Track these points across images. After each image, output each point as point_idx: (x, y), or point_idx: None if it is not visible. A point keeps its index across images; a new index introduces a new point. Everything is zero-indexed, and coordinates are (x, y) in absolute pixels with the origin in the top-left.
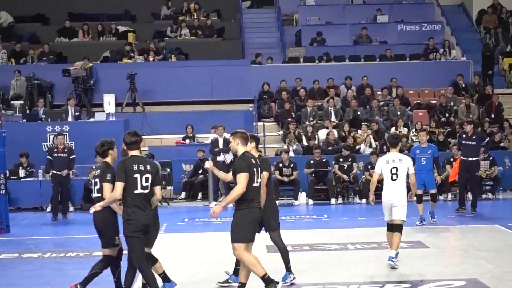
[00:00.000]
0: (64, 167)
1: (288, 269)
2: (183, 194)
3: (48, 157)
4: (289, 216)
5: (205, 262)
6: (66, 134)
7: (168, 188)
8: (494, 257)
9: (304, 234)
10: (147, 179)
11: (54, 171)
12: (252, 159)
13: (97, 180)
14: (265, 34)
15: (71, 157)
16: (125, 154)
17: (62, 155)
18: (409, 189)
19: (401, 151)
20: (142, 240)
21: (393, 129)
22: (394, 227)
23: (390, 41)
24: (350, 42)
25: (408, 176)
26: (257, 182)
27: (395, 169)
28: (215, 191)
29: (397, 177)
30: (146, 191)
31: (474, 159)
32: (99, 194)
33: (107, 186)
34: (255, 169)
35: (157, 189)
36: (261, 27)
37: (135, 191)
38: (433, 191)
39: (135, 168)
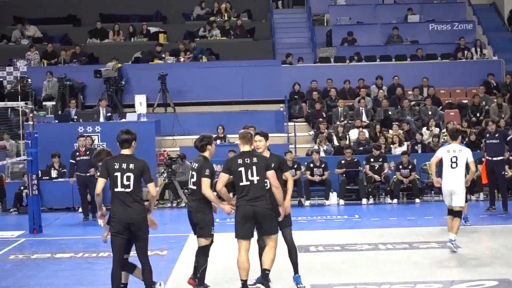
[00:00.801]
0: (87, 169)
1: (297, 270)
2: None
3: (71, 161)
4: (320, 216)
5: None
6: (98, 135)
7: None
8: (503, 257)
9: (335, 234)
10: (128, 177)
11: (78, 173)
12: (240, 159)
13: (194, 173)
14: (296, 34)
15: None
16: (97, 159)
17: (85, 157)
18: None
19: (432, 151)
20: (121, 241)
21: (424, 129)
22: (455, 213)
23: (421, 41)
24: (381, 42)
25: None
26: (247, 181)
27: (455, 158)
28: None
29: (456, 165)
30: (127, 190)
31: (499, 158)
32: (195, 187)
33: (205, 181)
34: (241, 168)
35: (149, 186)
36: (291, 27)
37: (115, 189)
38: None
39: (116, 166)
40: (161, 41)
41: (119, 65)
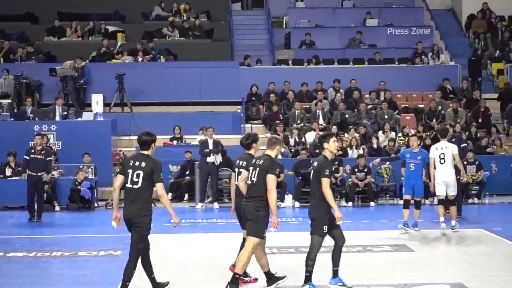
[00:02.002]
0: (40, 169)
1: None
2: (169, 195)
3: (25, 157)
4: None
5: (191, 262)
6: (53, 134)
7: (155, 189)
8: (480, 262)
9: (290, 236)
10: (138, 175)
11: (30, 172)
12: (255, 160)
13: (241, 170)
14: (255, 36)
15: (47, 159)
16: None
17: (39, 156)
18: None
19: (388, 154)
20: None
21: (380, 133)
22: (451, 202)
23: (379, 45)
24: (339, 45)
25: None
26: (250, 180)
27: (442, 154)
28: (201, 193)
29: (444, 161)
30: (135, 186)
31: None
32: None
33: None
34: (251, 168)
35: (157, 185)
36: (250, 29)
37: (126, 185)
38: (419, 198)
39: (131, 164)
40: (119, 40)
41: (82, 63)
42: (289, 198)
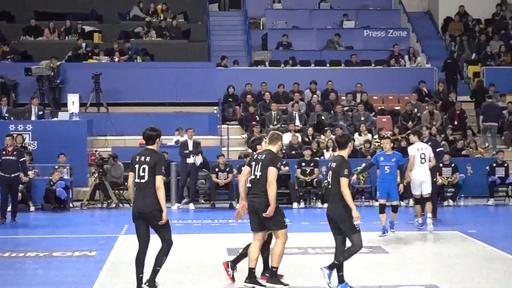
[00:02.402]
0: (13, 170)
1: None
2: None
3: None
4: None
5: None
6: (29, 134)
7: None
8: (454, 264)
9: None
10: (143, 169)
11: (2, 173)
12: (257, 154)
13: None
14: (232, 37)
15: (20, 159)
16: None
17: (11, 157)
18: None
19: (363, 156)
20: (138, 228)
21: (356, 135)
22: (426, 199)
23: (356, 47)
24: (316, 47)
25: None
26: (253, 175)
27: (423, 154)
28: (178, 194)
29: (425, 160)
30: (142, 180)
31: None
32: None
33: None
34: (253, 163)
35: (157, 178)
36: (227, 29)
37: (136, 180)
38: (396, 202)
39: (137, 159)
40: (96, 40)
41: (58, 63)
42: None
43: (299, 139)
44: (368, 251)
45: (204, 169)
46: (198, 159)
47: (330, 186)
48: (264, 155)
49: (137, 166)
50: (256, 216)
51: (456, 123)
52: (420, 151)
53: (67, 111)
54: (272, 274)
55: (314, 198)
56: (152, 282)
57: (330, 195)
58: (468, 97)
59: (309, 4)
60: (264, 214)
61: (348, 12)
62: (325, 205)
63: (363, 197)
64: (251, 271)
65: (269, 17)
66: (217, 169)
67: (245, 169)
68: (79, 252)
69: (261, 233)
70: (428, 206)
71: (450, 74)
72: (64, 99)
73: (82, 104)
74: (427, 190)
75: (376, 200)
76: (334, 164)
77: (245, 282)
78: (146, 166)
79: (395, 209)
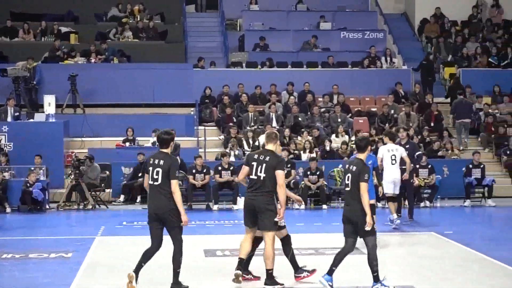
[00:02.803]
0: None
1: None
2: (122, 197)
3: None
4: (228, 220)
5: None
6: (5, 135)
7: (107, 190)
8: (431, 265)
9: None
10: (157, 172)
11: None
12: (257, 155)
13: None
14: (209, 38)
15: None
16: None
17: None
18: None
19: (340, 158)
20: (153, 230)
21: (333, 136)
22: (394, 198)
23: (332, 48)
24: (293, 48)
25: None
26: (255, 175)
27: (394, 156)
28: None
29: (395, 161)
30: (156, 183)
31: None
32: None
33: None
34: (255, 163)
35: (172, 183)
36: (204, 31)
37: (149, 182)
38: (372, 201)
39: (151, 162)
40: (72, 41)
41: (34, 64)
42: (242, 201)
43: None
44: None
45: (181, 171)
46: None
47: (348, 189)
48: (268, 157)
49: (151, 168)
50: (252, 214)
51: (432, 124)
52: (390, 152)
53: (43, 112)
54: (268, 276)
55: (291, 200)
56: (176, 284)
57: (348, 197)
58: (444, 98)
59: (286, 5)
60: (276, 218)
61: (325, 13)
62: (302, 206)
63: (340, 198)
64: (241, 261)
65: (246, 19)
66: (194, 171)
67: (244, 168)
68: (55, 254)
69: (254, 229)
70: (392, 206)
71: (425, 75)
72: (40, 100)
73: (58, 105)
74: (397, 190)
75: None
76: (354, 168)
77: (236, 269)
78: (160, 169)
79: (372, 210)
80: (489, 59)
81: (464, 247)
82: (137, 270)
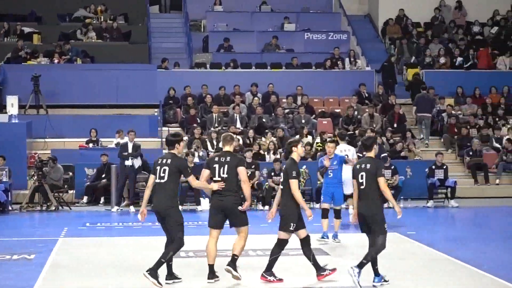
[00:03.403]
0: None
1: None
2: (85, 198)
3: None
4: (192, 222)
5: (107, 266)
6: None
7: (70, 192)
8: (394, 265)
9: (206, 240)
10: (164, 170)
11: None
12: (217, 157)
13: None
14: (172, 39)
15: None
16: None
17: None
18: None
19: (304, 159)
20: (163, 227)
21: (297, 137)
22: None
23: (296, 50)
24: (257, 49)
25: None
26: (219, 177)
27: (346, 156)
28: (117, 196)
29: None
30: (162, 181)
31: None
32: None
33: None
34: (216, 165)
35: (190, 179)
36: (168, 32)
37: (156, 181)
38: (339, 207)
39: (159, 162)
40: (35, 42)
41: None
42: (205, 202)
43: (240, 141)
44: None
45: (144, 171)
46: (137, 162)
47: (363, 187)
48: (229, 157)
49: (158, 167)
50: (221, 215)
51: (395, 125)
52: (343, 153)
53: (6, 113)
54: (232, 261)
55: (255, 201)
56: (154, 271)
57: (362, 194)
58: (407, 99)
59: (250, 6)
60: (240, 208)
61: (289, 15)
62: (266, 207)
63: (304, 199)
64: (212, 268)
65: (210, 20)
66: None
67: (204, 171)
68: (18, 255)
69: (219, 231)
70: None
71: (387, 77)
72: (3, 101)
73: (21, 106)
74: (348, 190)
75: (317, 202)
76: (368, 165)
77: (208, 279)
78: (167, 168)
79: (337, 214)
80: (453, 60)
81: (427, 248)
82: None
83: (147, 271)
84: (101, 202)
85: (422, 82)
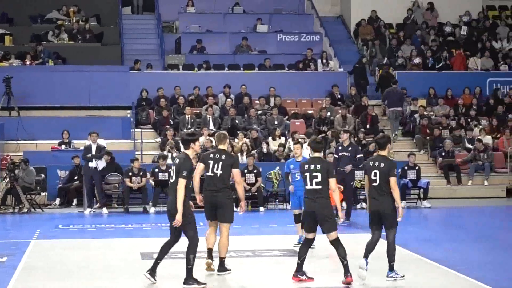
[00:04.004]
0: None
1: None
2: (57, 200)
3: None
4: (165, 224)
5: (79, 268)
6: None
7: (43, 194)
8: (368, 265)
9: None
10: (172, 170)
11: None
12: (212, 154)
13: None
14: (145, 40)
15: None
16: None
17: None
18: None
19: (277, 160)
20: (170, 226)
21: (270, 138)
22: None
23: (269, 51)
24: (230, 51)
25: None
26: (212, 172)
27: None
28: (90, 198)
29: None
30: (171, 181)
31: (350, 169)
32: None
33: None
34: (211, 161)
35: (178, 181)
36: (140, 33)
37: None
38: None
39: (174, 162)
40: (7, 43)
41: None
42: None
43: (213, 143)
44: (281, 254)
45: (116, 173)
46: (101, 163)
47: (376, 184)
48: (224, 156)
49: (172, 167)
50: (213, 209)
51: (368, 126)
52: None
53: None
54: (221, 264)
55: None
56: (187, 280)
57: (375, 192)
58: (379, 101)
59: (222, 8)
60: (239, 212)
61: (261, 16)
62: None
63: (276, 200)
64: (210, 251)
65: (182, 21)
66: (130, 173)
67: (199, 165)
68: None
69: (214, 221)
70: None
71: (358, 78)
72: None
73: None
74: None
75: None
76: (382, 164)
77: (218, 270)
78: (174, 168)
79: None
80: (426, 61)
81: (400, 248)
82: (153, 267)
83: (184, 283)
84: (73, 204)
85: (393, 76)
